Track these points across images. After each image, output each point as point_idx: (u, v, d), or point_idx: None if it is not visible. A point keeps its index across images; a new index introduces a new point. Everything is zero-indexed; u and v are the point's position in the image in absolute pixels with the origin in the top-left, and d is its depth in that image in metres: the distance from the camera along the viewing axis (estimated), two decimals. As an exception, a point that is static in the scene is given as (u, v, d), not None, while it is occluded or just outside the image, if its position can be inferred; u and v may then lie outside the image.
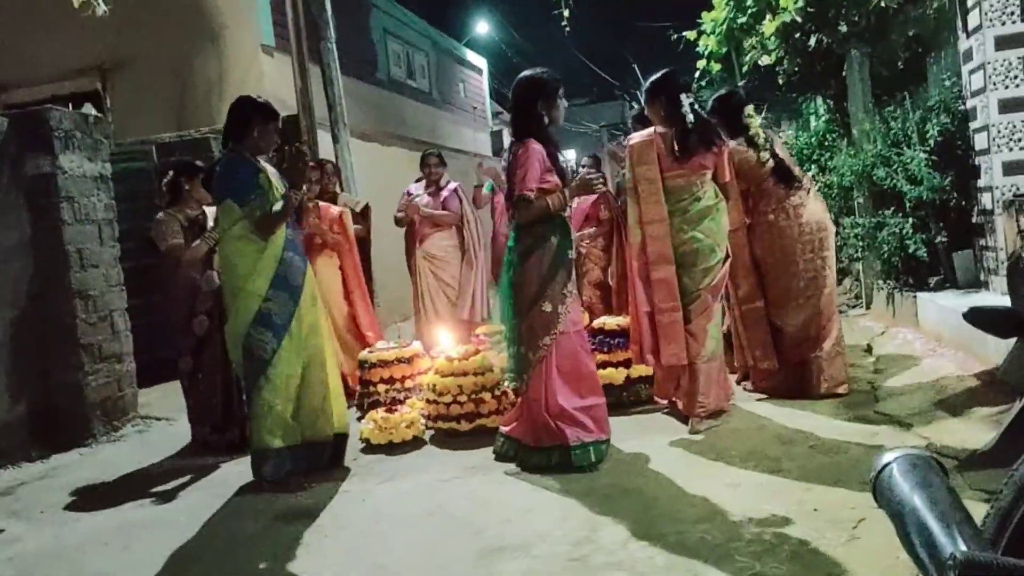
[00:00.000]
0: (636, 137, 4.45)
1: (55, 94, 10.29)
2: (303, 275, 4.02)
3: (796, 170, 4.81)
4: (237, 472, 4.24)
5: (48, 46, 10.46)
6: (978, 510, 1.54)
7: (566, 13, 6.04)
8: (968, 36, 5.46)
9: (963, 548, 1.27)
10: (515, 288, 3.88)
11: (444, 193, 6.53)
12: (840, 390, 4.54)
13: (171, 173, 5.04)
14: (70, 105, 8.62)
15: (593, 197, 6.03)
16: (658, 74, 4.36)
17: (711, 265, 4.25)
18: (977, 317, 1.62)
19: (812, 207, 4.67)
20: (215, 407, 4.78)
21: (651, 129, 4.38)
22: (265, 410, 3.87)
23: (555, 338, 3.81)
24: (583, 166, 6.15)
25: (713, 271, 4.26)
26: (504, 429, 4.10)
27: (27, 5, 10.58)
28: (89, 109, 6.56)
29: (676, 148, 4.19)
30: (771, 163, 4.67)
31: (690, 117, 4.19)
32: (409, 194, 6.57)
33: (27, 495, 4.34)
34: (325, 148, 8.81)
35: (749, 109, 4.80)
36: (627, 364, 4.86)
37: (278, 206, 3.89)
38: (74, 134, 5.56)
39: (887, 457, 1.68)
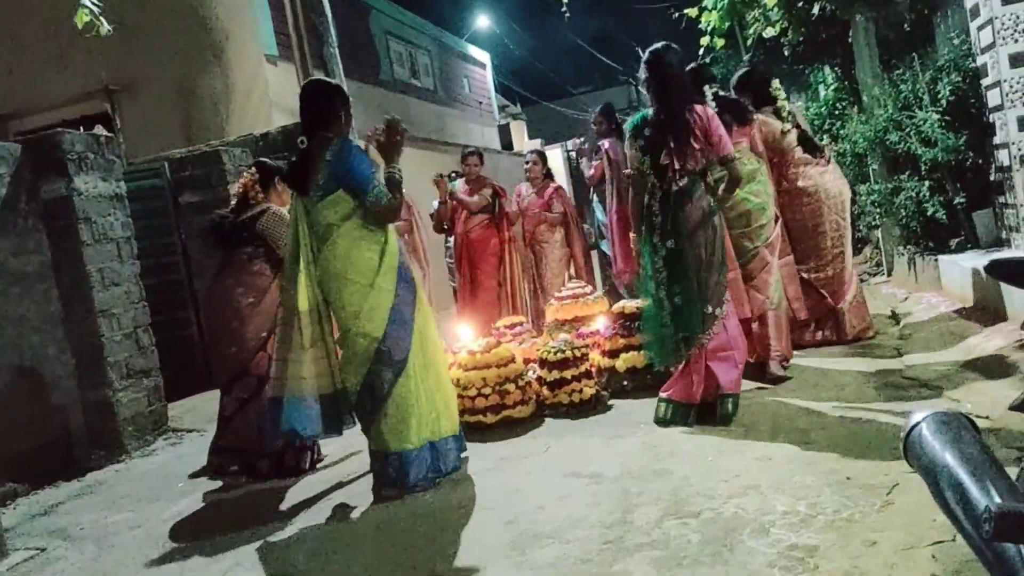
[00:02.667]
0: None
1: (65, 119, 10.39)
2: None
3: (815, 140, 5.29)
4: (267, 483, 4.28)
5: (55, 73, 10.59)
6: (1012, 471, 1.52)
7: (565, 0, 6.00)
8: (974, -8, 5.39)
9: (998, 500, 1.27)
10: (708, 248, 3.96)
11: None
12: (868, 333, 5.14)
13: (254, 171, 4.56)
14: (80, 128, 8.72)
15: (548, 191, 6.35)
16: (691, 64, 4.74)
17: (764, 223, 4.63)
18: (999, 269, 1.60)
19: (834, 173, 5.25)
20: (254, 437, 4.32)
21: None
22: (407, 412, 3.61)
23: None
24: (526, 163, 6.65)
25: (767, 228, 4.64)
26: (665, 395, 4.12)
27: (33, 33, 10.71)
28: (100, 131, 6.62)
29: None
30: (794, 133, 5.14)
31: (713, 105, 4.39)
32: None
33: (65, 514, 4.40)
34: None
35: (775, 83, 5.19)
36: (649, 346, 4.85)
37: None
38: (87, 155, 5.62)
39: (917, 416, 1.67)
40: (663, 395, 4.14)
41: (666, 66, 4.03)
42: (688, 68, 4.50)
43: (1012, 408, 3.12)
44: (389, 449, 3.63)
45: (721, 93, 4.75)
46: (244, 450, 4.33)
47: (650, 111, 4.06)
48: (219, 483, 4.46)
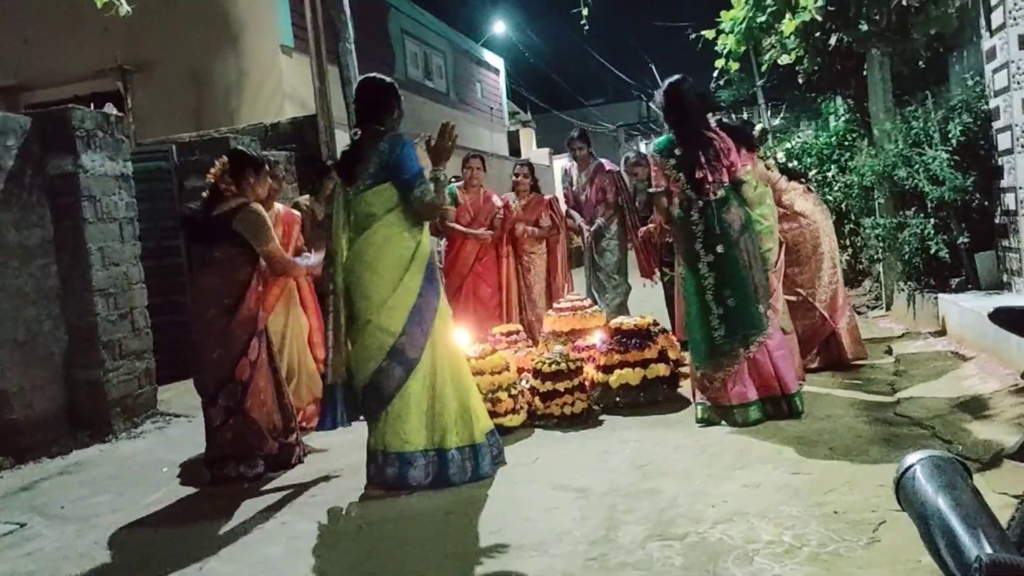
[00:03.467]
0: None
1: (76, 94, 10.41)
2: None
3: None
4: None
5: (70, 48, 10.60)
6: (1004, 516, 1.52)
7: (585, 12, 6.01)
8: (992, 35, 5.41)
9: (989, 551, 1.26)
10: (752, 251, 4.30)
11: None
12: (863, 355, 5.36)
13: (225, 160, 4.25)
14: (91, 106, 8.72)
15: (540, 204, 6.40)
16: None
17: (771, 247, 4.67)
18: (1003, 317, 1.60)
19: (817, 199, 5.57)
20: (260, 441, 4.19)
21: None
22: (411, 412, 3.62)
23: None
24: (514, 175, 6.61)
25: (773, 252, 4.69)
26: (737, 401, 4.24)
27: (50, 7, 10.71)
28: (110, 109, 6.62)
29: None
30: (774, 163, 5.45)
31: (711, 135, 4.48)
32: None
33: (48, 491, 4.39)
34: (343, 148, 8.84)
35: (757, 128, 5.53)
36: (644, 364, 4.85)
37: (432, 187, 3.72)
38: (96, 133, 5.61)
39: (911, 459, 1.68)
40: (740, 401, 4.23)
41: (684, 95, 4.38)
42: (698, 94, 4.67)
43: (1007, 456, 3.11)
44: (389, 448, 3.63)
45: (725, 120, 5.02)
46: (239, 456, 4.10)
47: (673, 135, 4.38)
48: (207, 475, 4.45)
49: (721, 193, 4.25)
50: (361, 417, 3.84)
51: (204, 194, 4.31)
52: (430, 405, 3.67)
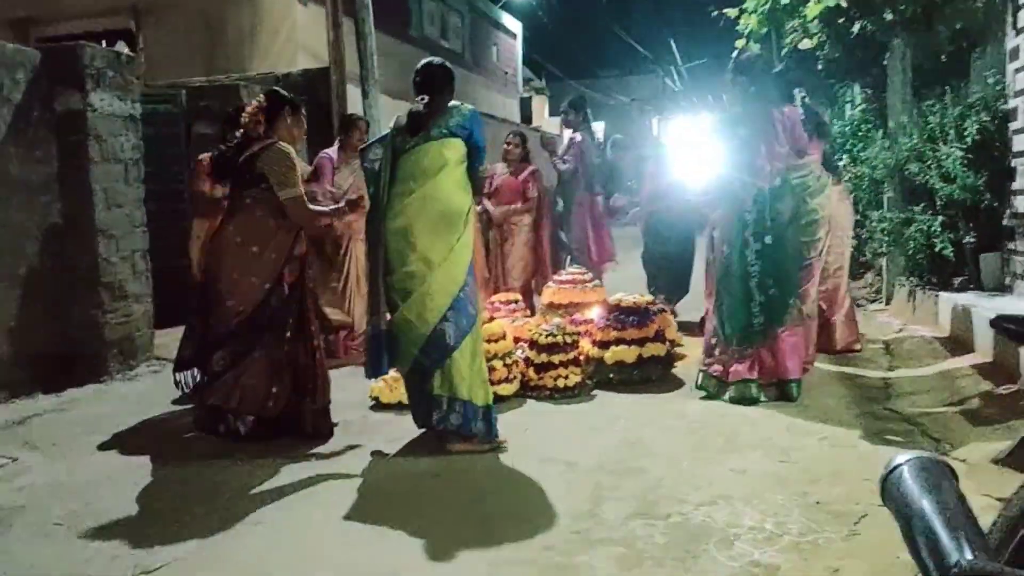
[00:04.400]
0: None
1: (88, 30, 10.29)
2: None
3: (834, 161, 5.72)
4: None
5: (84, -19, 10.44)
6: (986, 518, 1.52)
7: (607, -18, 5.92)
8: (1017, 34, 5.33)
9: (969, 557, 1.26)
10: (796, 243, 4.47)
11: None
12: (857, 347, 5.42)
13: (262, 99, 4.08)
14: (103, 43, 8.62)
15: (524, 173, 6.30)
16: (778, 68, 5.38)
17: (821, 236, 4.84)
18: (1005, 324, 1.59)
19: (846, 199, 5.59)
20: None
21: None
22: (467, 361, 3.68)
23: None
24: (506, 143, 6.63)
25: (822, 242, 4.87)
26: (751, 376, 4.34)
27: (65, -61, 10.54)
28: (122, 48, 6.56)
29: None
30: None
31: (802, 110, 4.68)
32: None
33: (41, 427, 4.42)
34: (354, 103, 8.78)
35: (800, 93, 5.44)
36: (640, 343, 4.86)
37: None
38: (105, 72, 5.56)
39: (899, 459, 1.67)
40: (746, 376, 4.31)
41: (757, 71, 4.43)
42: (776, 71, 5.00)
43: (995, 461, 3.11)
44: (457, 395, 3.66)
45: (808, 101, 5.11)
46: (232, 410, 3.95)
47: (739, 110, 4.40)
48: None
49: (778, 181, 4.31)
50: (394, 367, 3.89)
51: (237, 134, 4.15)
52: (480, 358, 3.78)
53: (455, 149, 3.74)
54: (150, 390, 5.19)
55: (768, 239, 4.30)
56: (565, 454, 3.63)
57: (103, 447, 4.02)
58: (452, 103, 3.84)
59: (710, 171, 4.65)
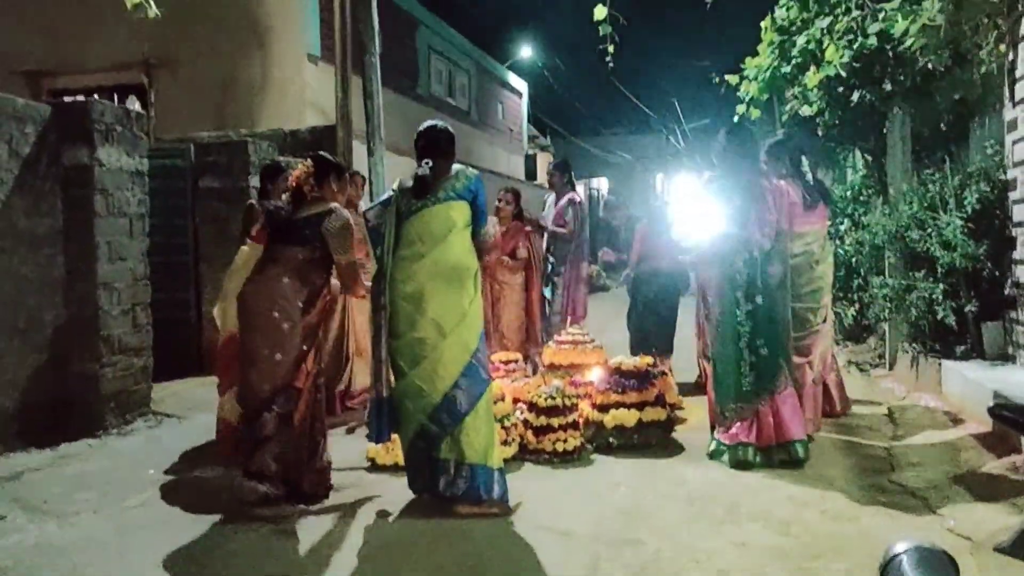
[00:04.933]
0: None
1: (100, 84, 10.48)
2: None
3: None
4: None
5: (97, 36, 10.65)
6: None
7: (611, 49, 6.03)
8: (1015, 106, 5.40)
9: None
10: (786, 305, 4.54)
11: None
12: (848, 411, 5.48)
13: (309, 163, 4.08)
14: (115, 96, 8.78)
15: (516, 234, 6.30)
16: (780, 135, 5.58)
17: (826, 303, 5.03)
18: (1002, 412, 1.57)
19: (830, 256, 5.51)
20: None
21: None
22: (486, 427, 3.70)
23: None
24: (498, 200, 6.56)
25: (826, 308, 5.04)
26: (746, 439, 4.35)
27: (82, -5, 10.78)
28: (133, 103, 6.67)
29: (805, 198, 5.00)
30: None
31: (809, 176, 4.95)
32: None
33: (33, 483, 4.36)
34: (360, 159, 8.88)
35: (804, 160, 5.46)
36: (640, 406, 4.82)
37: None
38: (115, 128, 5.63)
39: (898, 547, 1.65)
40: (742, 440, 4.33)
41: (747, 143, 4.62)
42: (777, 139, 5.24)
43: (998, 549, 3.03)
44: (464, 459, 3.62)
45: (807, 176, 5.26)
46: (287, 475, 3.81)
47: (730, 181, 4.52)
48: (192, 474, 4.42)
49: (768, 246, 4.42)
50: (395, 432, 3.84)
51: (285, 196, 4.27)
52: (491, 421, 3.76)
53: (462, 212, 3.79)
54: (145, 446, 5.14)
55: (759, 299, 4.39)
56: (563, 522, 3.57)
57: (94, 506, 3.95)
58: (456, 167, 3.89)
59: (703, 231, 4.72)
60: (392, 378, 3.74)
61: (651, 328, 6.63)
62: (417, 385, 3.64)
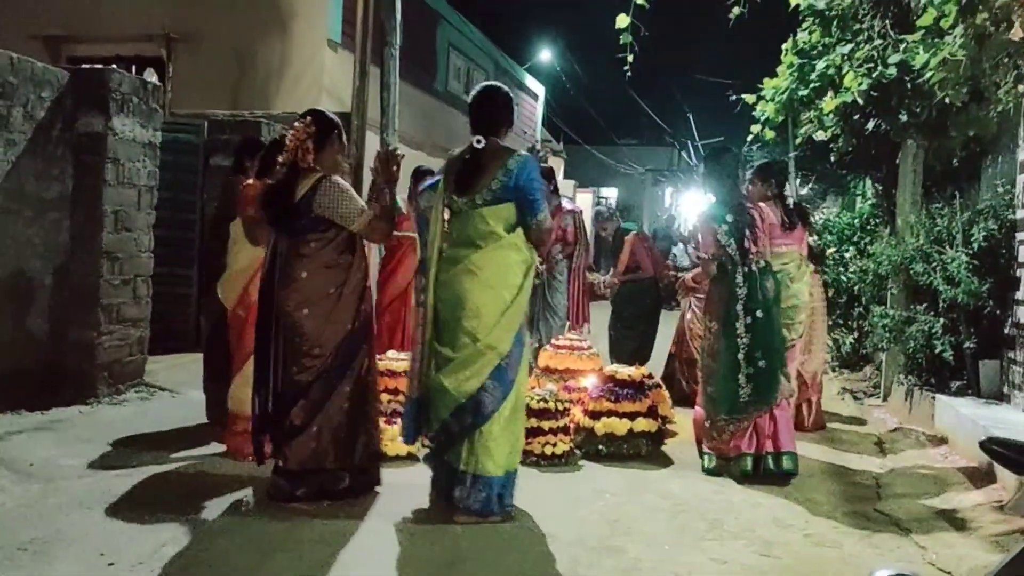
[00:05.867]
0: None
1: (119, 54, 10.46)
2: None
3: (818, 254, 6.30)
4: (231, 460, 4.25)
5: (120, 6, 10.64)
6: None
7: (630, 58, 6.03)
8: (1028, 147, 5.40)
9: None
10: (780, 319, 4.66)
11: None
12: (823, 429, 5.78)
13: (309, 121, 3.62)
14: (133, 68, 8.78)
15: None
16: (767, 161, 5.80)
17: (802, 320, 5.17)
18: (994, 448, 1.57)
19: (819, 282, 5.95)
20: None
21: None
22: (505, 435, 3.54)
23: None
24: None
25: (802, 325, 5.19)
26: (747, 451, 4.48)
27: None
28: (151, 75, 6.68)
29: (785, 220, 5.11)
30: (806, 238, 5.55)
31: (791, 199, 5.09)
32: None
33: (20, 445, 4.37)
34: (372, 150, 8.88)
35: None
36: (632, 416, 4.81)
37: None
38: (130, 98, 5.65)
39: (880, 574, 1.64)
40: (744, 451, 4.46)
41: (726, 167, 4.72)
42: (763, 163, 5.46)
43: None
44: (481, 471, 3.49)
45: (789, 199, 5.38)
46: (321, 469, 3.65)
47: (722, 203, 4.65)
48: (182, 451, 4.42)
49: (762, 263, 4.56)
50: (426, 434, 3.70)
51: (280, 168, 3.67)
52: (514, 427, 3.62)
53: (500, 217, 3.52)
54: (135, 417, 5.15)
55: (759, 313, 4.47)
56: (546, 524, 3.57)
57: (79, 472, 3.96)
58: (503, 152, 3.57)
59: (704, 245, 4.79)
60: (427, 375, 3.60)
61: (629, 344, 6.78)
62: (444, 386, 3.50)
